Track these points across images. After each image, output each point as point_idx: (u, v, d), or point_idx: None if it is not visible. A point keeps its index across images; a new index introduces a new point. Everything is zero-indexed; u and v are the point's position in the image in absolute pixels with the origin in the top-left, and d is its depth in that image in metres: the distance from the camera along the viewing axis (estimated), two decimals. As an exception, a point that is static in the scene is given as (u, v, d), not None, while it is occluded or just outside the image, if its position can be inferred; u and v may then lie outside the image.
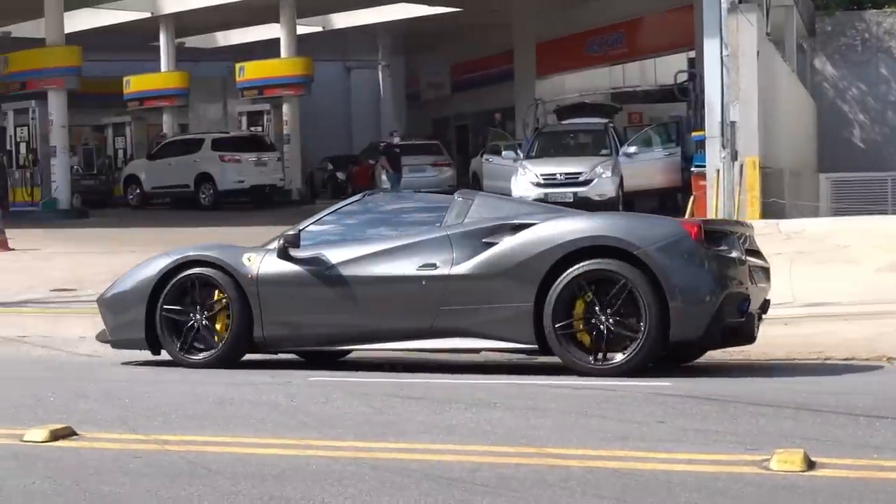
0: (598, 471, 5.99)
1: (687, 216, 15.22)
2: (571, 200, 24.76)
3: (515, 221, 9.74)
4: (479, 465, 6.18)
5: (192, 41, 47.01)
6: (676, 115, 31.30)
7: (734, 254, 9.59)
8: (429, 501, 5.50)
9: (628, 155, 26.67)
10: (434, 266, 9.70)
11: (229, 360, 10.21)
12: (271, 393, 8.62)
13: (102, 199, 39.31)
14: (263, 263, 10.17)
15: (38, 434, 6.92)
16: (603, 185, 25.27)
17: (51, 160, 34.26)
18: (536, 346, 9.47)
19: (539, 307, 9.32)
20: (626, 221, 9.99)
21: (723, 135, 22.19)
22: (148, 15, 41.93)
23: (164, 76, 43.21)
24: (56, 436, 6.92)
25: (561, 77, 44.26)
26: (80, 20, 39.85)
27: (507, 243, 9.57)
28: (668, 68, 35.75)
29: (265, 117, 40.56)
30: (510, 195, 25.54)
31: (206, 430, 7.19)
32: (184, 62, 44.26)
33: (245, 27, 46.32)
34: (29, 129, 35.59)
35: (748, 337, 9.95)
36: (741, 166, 21.86)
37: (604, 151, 26.77)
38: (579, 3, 40.43)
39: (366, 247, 10.10)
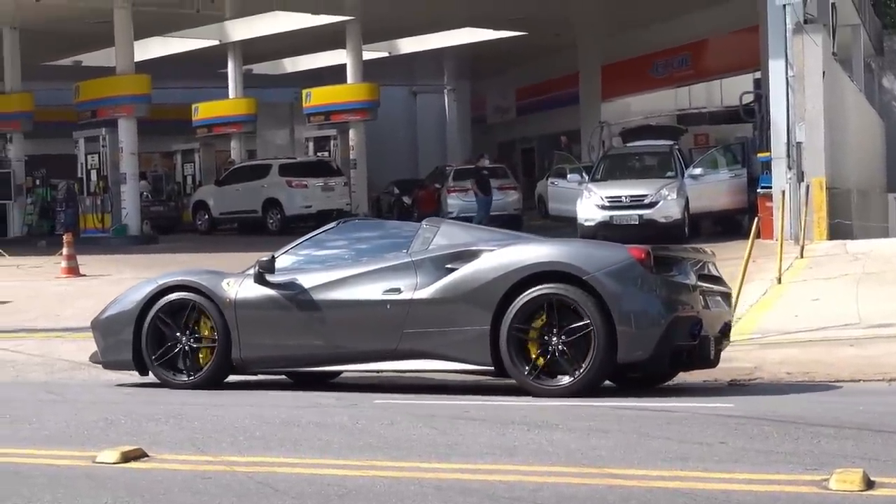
0: (658, 491, 6.06)
1: (752, 238, 15.19)
2: (637, 223, 24.80)
3: (475, 248, 10.11)
4: (540, 485, 6.27)
5: (259, 68, 47.52)
6: (742, 136, 31.20)
7: (684, 279, 9.90)
8: (490, 520, 5.60)
9: (694, 177, 26.62)
10: (398, 291, 10.11)
11: (213, 381, 10.62)
12: (337, 415, 8.76)
13: (171, 225, 39.76)
14: (241, 288, 10.62)
15: (110, 455, 7.09)
16: (668, 207, 25.25)
17: (121, 187, 34.72)
18: (493, 368, 9.79)
19: (495, 330, 9.66)
20: (577, 248, 10.37)
21: (789, 156, 22.17)
22: (216, 43, 42.45)
23: (232, 103, 43.71)
24: (127, 457, 7.08)
25: (626, 100, 44.31)
26: (149, 49, 40.42)
27: (466, 269, 9.97)
28: (733, 89, 35.66)
29: (332, 142, 40.88)
30: (576, 218, 25.64)
31: (273, 452, 7.33)
32: (251, 89, 44.74)
33: (312, 53, 46.74)
34: (99, 157, 36.08)
35: (704, 359, 10.17)
36: (807, 187, 21.81)
37: (669, 174, 26.73)
38: (644, 25, 40.48)
39: (337, 272, 10.53)
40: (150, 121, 36.10)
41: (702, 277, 10.23)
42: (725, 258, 19.68)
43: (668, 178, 26.41)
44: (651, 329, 9.52)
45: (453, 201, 33.40)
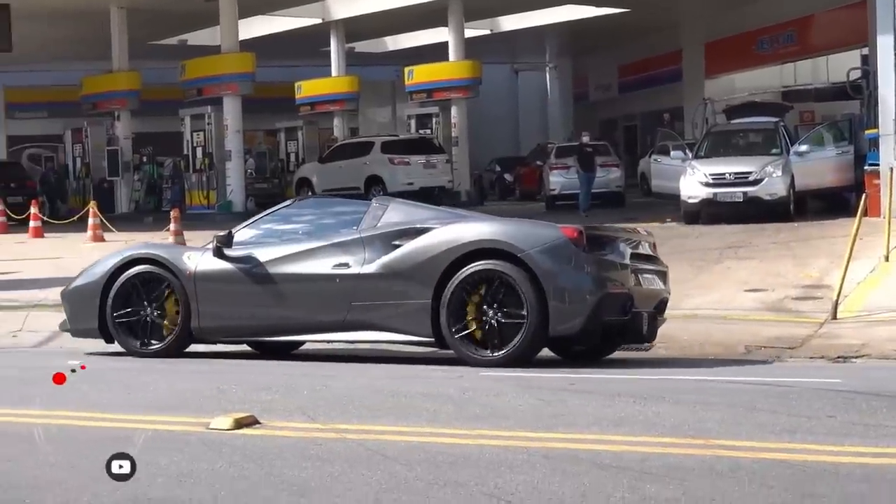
0: (766, 462, 6.07)
1: (859, 216, 15.02)
2: (741, 200, 24.56)
3: (420, 226, 10.58)
4: (647, 455, 6.31)
5: (361, 46, 47.73)
6: (849, 112, 30.74)
7: (616, 258, 10.37)
8: (598, 488, 5.65)
9: (799, 154, 26.26)
10: (347, 265, 10.59)
11: (175, 350, 11.08)
12: (444, 386, 8.86)
13: (275, 202, 40.10)
14: (201, 261, 11.09)
15: (224, 422, 7.25)
16: (773, 184, 24.94)
17: (226, 164, 35.18)
18: (433, 340, 10.27)
19: (436, 303, 10.13)
20: (513, 227, 10.68)
21: (897, 132, 21.78)
22: (319, 21, 42.71)
23: (334, 81, 43.98)
24: (240, 424, 7.24)
25: (730, 76, 43.86)
26: (253, 27, 40.79)
27: (410, 246, 10.45)
28: (840, 65, 35.14)
29: (434, 120, 40.94)
30: (679, 195, 25.47)
31: (382, 420, 7.45)
32: (354, 67, 44.97)
33: (413, 31, 46.84)
34: (205, 134, 36.61)
35: (637, 334, 10.60)
36: (916, 164, 21.42)
37: (774, 151, 26.39)
38: (749, 1, 40.00)
39: (291, 247, 10.99)
40: (254, 99, 36.49)
41: (635, 257, 10.66)
42: (832, 236, 19.55)
43: (774, 155, 26.08)
44: (581, 304, 9.97)
45: (555, 178, 33.31)
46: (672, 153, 29.21)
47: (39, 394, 8.65)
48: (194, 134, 36.92)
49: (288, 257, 10.89)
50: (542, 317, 9.86)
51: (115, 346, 11.33)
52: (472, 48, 40.87)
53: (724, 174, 25.04)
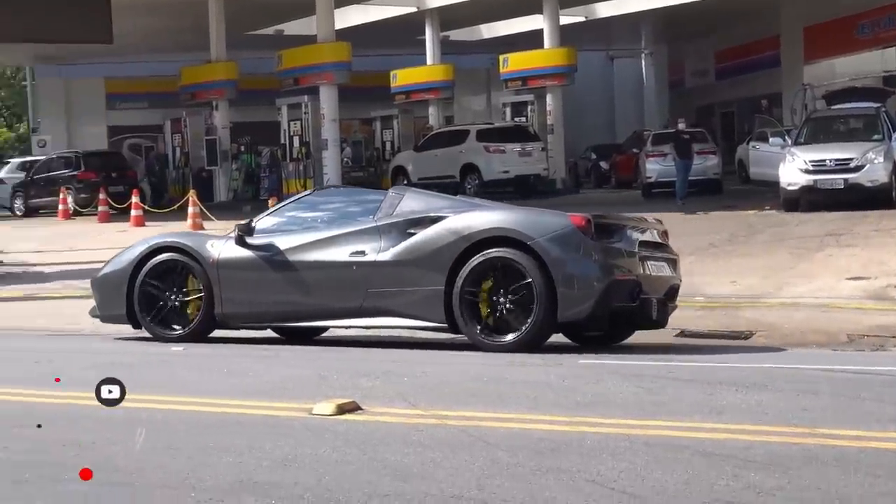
0: (872, 451, 6.00)
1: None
2: (842, 187, 24.21)
3: (434, 214, 10.76)
4: (750, 443, 6.27)
5: (456, 34, 47.74)
6: (952, 97, 30.19)
7: (624, 246, 10.53)
8: (702, 475, 5.62)
9: (901, 139, 25.83)
10: (363, 253, 10.79)
11: (199, 335, 11.30)
12: (543, 374, 8.86)
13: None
14: (224, 249, 11.34)
15: (326, 408, 7.32)
16: (875, 170, 24.54)
17: (322, 153, 35.42)
18: (446, 325, 10.43)
19: (449, 290, 10.30)
20: (523, 215, 10.84)
21: None
22: (414, 10, 42.80)
23: (429, 69, 44.04)
24: (342, 410, 7.30)
25: (830, 61, 43.19)
26: (349, 17, 41.00)
27: (424, 234, 10.65)
28: (943, 50, 34.48)
29: (529, 108, 40.84)
30: (778, 182, 25.18)
31: (483, 407, 7.47)
32: (448, 55, 45.00)
33: (508, 19, 46.76)
34: (301, 123, 36.90)
35: (647, 320, 10.80)
36: None
37: (876, 137, 25.95)
38: (849, -15, 39.41)
39: (310, 235, 11.22)
40: (349, 88, 36.67)
41: (644, 244, 10.81)
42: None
43: (875, 141, 25.66)
44: (588, 291, 10.12)
45: (652, 166, 33.05)
46: (770, 140, 28.88)
47: (144, 380, 8.79)
48: (291, 123, 37.22)
49: (307, 245, 11.13)
50: (551, 303, 10.03)
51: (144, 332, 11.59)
52: (566, 35, 40.70)
53: (824, 161, 24.69)
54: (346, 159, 40.39)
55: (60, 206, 35.05)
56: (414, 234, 10.68)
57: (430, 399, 7.79)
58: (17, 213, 39.31)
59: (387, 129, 44.84)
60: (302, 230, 11.36)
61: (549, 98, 40.11)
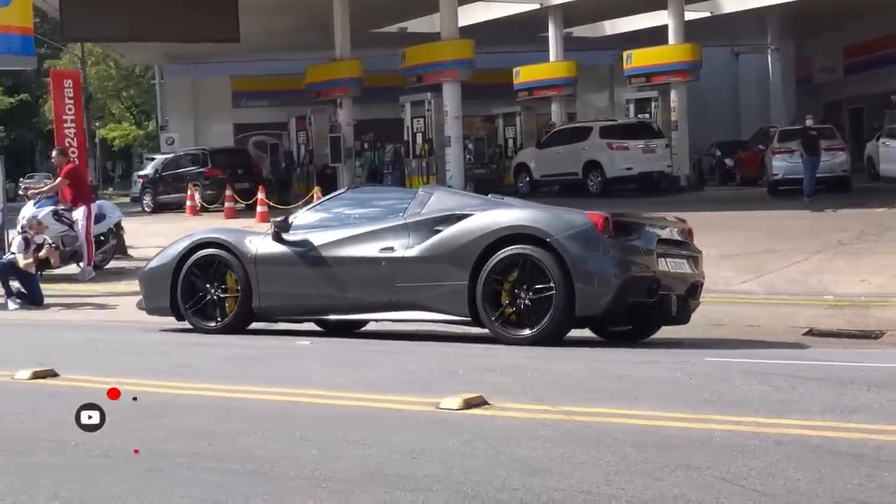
0: None
1: None
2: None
3: (460, 212, 11.11)
4: (883, 443, 6.18)
5: (579, 30, 47.59)
6: None
7: (642, 243, 10.77)
8: (834, 474, 5.55)
9: None
10: (392, 249, 11.18)
11: (238, 327, 11.78)
12: (669, 371, 8.80)
13: (494, 188, 40.07)
14: (262, 245, 11.80)
15: (453, 402, 7.36)
16: None
17: (445, 150, 35.53)
18: (470, 319, 10.76)
19: (473, 285, 10.65)
20: (544, 213, 11.10)
21: None
22: (537, 6, 42.73)
23: (552, 66, 43.90)
24: (469, 404, 7.34)
25: (963, 56, 42.25)
26: (472, 14, 41.07)
27: (450, 231, 11.01)
28: None
29: (653, 104, 40.53)
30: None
31: (609, 403, 7.45)
32: (571, 52, 44.84)
33: (632, 15, 46.47)
34: (425, 120, 37.06)
35: (666, 315, 11.08)
36: None
37: None
38: (984, -23, 38.45)
39: (343, 232, 11.62)
40: (472, 85, 36.73)
41: (663, 242, 11.05)
42: None
43: None
44: (605, 286, 10.41)
45: (778, 163, 32.55)
46: (901, 136, 28.31)
47: (274, 373, 8.93)
48: (414, 120, 37.41)
49: (340, 241, 11.52)
50: (569, 298, 10.30)
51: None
52: (691, 31, 40.31)
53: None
54: (468, 156, 40.45)
55: (188, 203, 35.66)
56: (441, 231, 11.05)
57: (557, 395, 7.78)
58: (146, 209, 40.06)
59: (509, 126, 44.81)
60: (336, 227, 11.76)
61: (673, 94, 39.77)
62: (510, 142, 44.36)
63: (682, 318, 11.36)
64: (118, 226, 21.50)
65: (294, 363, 9.79)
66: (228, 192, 33.70)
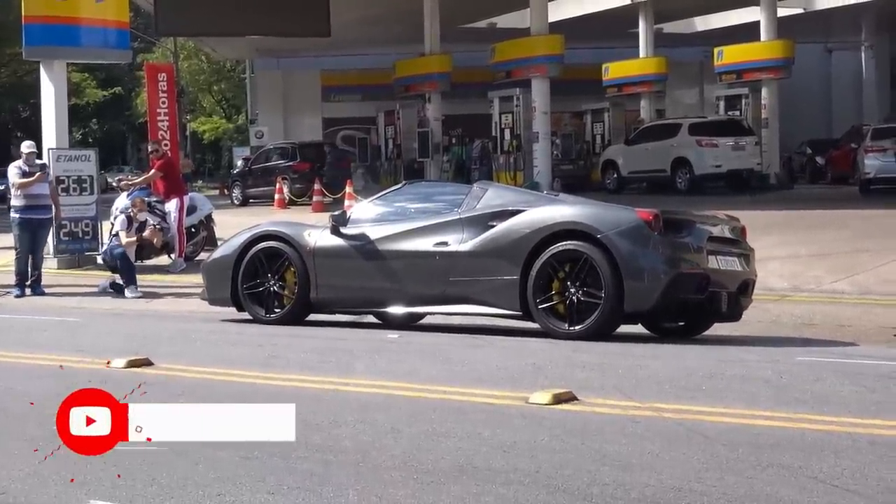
0: None
1: None
2: None
3: (513, 208, 11.26)
4: (980, 446, 6.10)
5: (669, 27, 47.28)
6: None
7: (692, 240, 10.80)
8: (930, 476, 5.51)
9: None
10: (446, 244, 11.33)
11: (296, 318, 11.97)
12: (760, 370, 8.76)
13: (581, 184, 40.11)
14: (320, 238, 12.01)
15: (543, 397, 7.40)
16: None
17: (533, 145, 35.48)
18: (521, 313, 10.88)
19: (524, 280, 10.75)
20: (594, 210, 11.22)
21: None
22: (628, 2, 42.50)
23: (642, 62, 43.67)
24: (559, 399, 7.37)
25: None
26: (562, 9, 40.97)
27: (502, 226, 11.14)
28: None
29: (743, 101, 40.14)
30: None
31: (699, 401, 7.44)
32: (661, 48, 44.57)
33: (723, 11, 46.09)
34: (513, 116, 37.02)
35: (716, 312, 11.11)
36: None
37: None
38: None
39: (398, 226, 11.81)
40: (560, 81, 36.60)
41: (714, 240, 11.09)
42: None
43: None
44: (654, 283, 10.48)
45: (871, 161, 32.04)
46: None
47: (366, 366, 9.02)
48: (502, 116, 37.39)
49: (395, 236, 11.71)
50: (619, 294, 10.38)
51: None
52: (783, 27, 39.88)
53: None
54: (556, 152, 40.36)
55: (276, 196, 35.96)
56: (494, 226, 11.18)
57: (646, 392, 7.79)
58: (235, 202, 40.41)
59: (597, 122, 44.62)
60: (391, 222, 11.94)
61: (764, 91, 39.36)
62: (598, 138, 44.16)
63: (734, 314, 11.41)
64: (209, 218, 21.75)
65: (384, 356, 9.87)
66: (317, 186, 33.92)
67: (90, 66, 58.99)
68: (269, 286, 12.09)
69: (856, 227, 21.55)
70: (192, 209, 20.76)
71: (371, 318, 12.49)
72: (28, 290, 16.67)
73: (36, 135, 21.87)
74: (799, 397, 7.58)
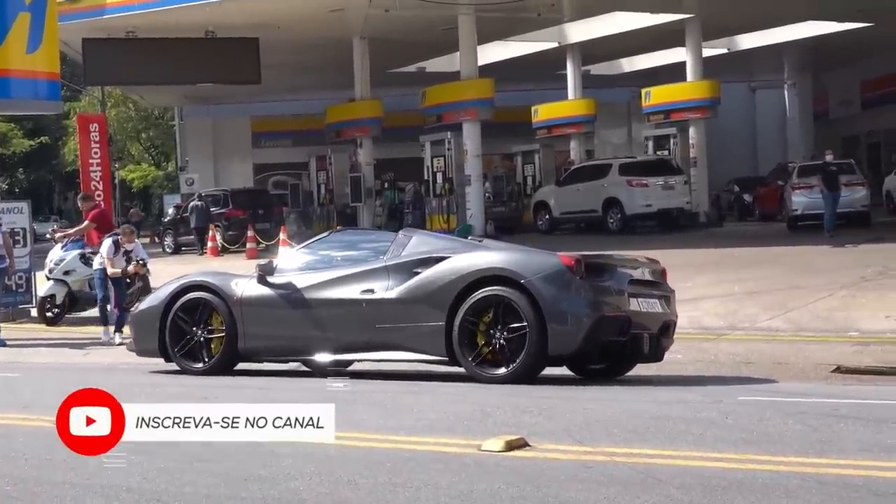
0: None
1: None
2: None
3: (437, 255, 11.42)
4: (925, 482, 6.25)
5: (597, 68, 47.81)
6: None
7: (613, 284, 11.04)
8: (880, 515, 5.64)
9: None
10: (372, 291, 11.49)
11: (224, 368, 12.07)
12: (704, 411, 8.90)
13: (513, 225, 40.41)
14: (247, 287, 12.13)
15: (495, 444, 7.47)
16: None
17: (466, 188, 35.67)
18: (447, 359, 11.03)
19: (449, 326, 10.92)
20: (518, 255, 11.44)
21: None
22: (556, 45, 42.94)
23: (571, 104, 44.11)
24: (511, 446, 7.45)
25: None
26: (490, 53, 41.28)
27: (427, 273, 11.30)
28: None
29: (671, 140, 40.65)
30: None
31: (650, 444, 7.54)
32: (589, 89, 45.04)
33: (650, 52, 46.67)
34: (444, 159, 37.20)
35: (638, 353, 11.35)
36: None
37: None
38: None
39: (325, 274, 11.95)
40: (491, 123, 36.88)
41: (635, 282, 11.33)
42: None
43: None
44: (577, 326, 10.68)
45: (798, 199, 32.53)
46: (921, 171, 28.36)
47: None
48: (434, 159, 37.55)
49: (322, 284, 11.85)
50: (542, 338, 10.57)
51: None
52: (708, 67, 40.45)
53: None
54: (487, 194, 40.56)
55: (209, 243, 35.84)
56: (419, 273, 11.35)
57: (595, 436, 7.88)
58: (167, 249, 40.23)
59: (528, 163, 45.00)
60: (318, 269, 12.09)
61: (692, 131, 39.86)
62: (529, 179, 44.50)
63: (656, 356, 11.64)
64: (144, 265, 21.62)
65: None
66: (250, 233, 33.87)
67: (17, 116, 58.49)
68: (196, 337, 12.20)
69: (786, 263, 21.87)
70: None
71: (303, 367, 12.47)
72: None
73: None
74: (746, 437, 7.71)
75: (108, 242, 17.37)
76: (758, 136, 57.62)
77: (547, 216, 39.27)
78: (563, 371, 11.54)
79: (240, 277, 12.47)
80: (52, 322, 19.31)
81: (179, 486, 6.62)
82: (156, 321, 12.33)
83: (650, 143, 41.59)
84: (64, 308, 19.50)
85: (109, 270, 16.93)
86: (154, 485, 6.66)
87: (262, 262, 12.49)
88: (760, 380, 11.58)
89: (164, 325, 12.25)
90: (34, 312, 19.89)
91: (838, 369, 12.58)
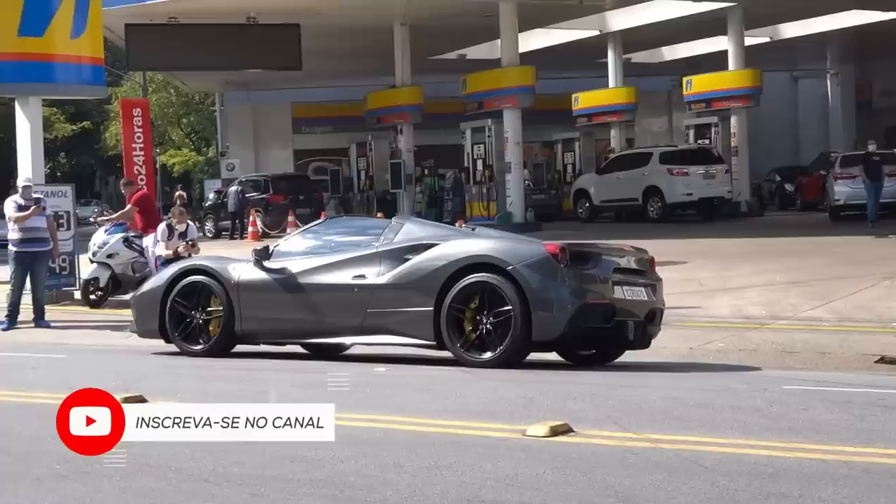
0: None
1: None
2: None
3: (428, 242, 11.69)
4: (974, 472, 6.22)
5: (638, 56, 47.64)
6: None
7: (598, 272, 11.23)
8: (929, 503, 5.62)
9: None
10: (364, 277, 11.73)
11: (221, 350, 12.33)
12: (749, 399, 8.88)
13: (553, 213, 40.41)
14: (244, 272, 12.37)
15: (540, 430, 7.48)
16: None
17: (505, 176, 35.65)
18: (435, 343, 11.25)
19: (437, 311, 11.15)
20: (505, 244, 11.64)
21: None
22: (597, 33, 42.83)
23: (612, 92, 44.02)
24: (556, 431, 7.45)
25: None
26: (531, 40, 41.22)
27: (417, 259, 11.55)
28: None
29: (713, 130, 40.46)
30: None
31: (694, 431, 7.54)
32: (630, 77, 44.91)
33: (691, 41, 46.46)
34: (485, 147, 37.18)
35: (623, 340, 11.48)
36: None
37: None
38: None
39: (319, 260, 12.20)
40: (531, 111, 36.84)
41: (620, 270, 11.49)
42: None
43: None
44: (561, 313, 10.89)
45: (840, 188, 32.37)
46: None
47: (360, 400, 9.07)
48: (474, 146, 37.53)
49: (316, 269, 12.08)
50: (527, 324, 10.77)
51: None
52: (750, 56, 40.25)
53: None
54: (527, 182, 40.53)
55: (250, 228, 36.01)
56: (409, 259, 11.59)
57: (640, 422, 7.88)
58: (208, 234, 40.38)
59: (568, 151, 44.93)
60: (314, 255, 12.34)
61: (733, 120, 39.72)
62: (569, 167, 44.43)
63: (642, 343, 11.75)
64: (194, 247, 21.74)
65: (377, 391, 9.92)
66: (291, 218, 34.00)
67: (60, 100, 58.83)
68: (195, 319, 12.43)
69: (829, 253, 21.77)
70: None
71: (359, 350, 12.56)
72: (16, 326, 16.68)
73: (9, 167, 21.84)
74: (791, 426, 7.69)
75: (161, 226, 17.64)
76: (800, 126, 57.25)
77: (587, 204, 39.24)
78: (555, 359, 11.69)
79: (238, 262, 12.75)
80: (95, 304, 19.39)
81: (227, 467, 6.66)
82: (156, 303, 12.60)
83: (691, 132, 41.38)
84: (107, 291, 19.56)
85: (161, 251, 17.07)
86: (201, 465, 6.71)
87: (259, 247, 12.69)
88: (804, 369, 11.53)
89: (164, 308, 12.50)
90: (78, 295, 19.98)
91: (882, 359, 12.50)
